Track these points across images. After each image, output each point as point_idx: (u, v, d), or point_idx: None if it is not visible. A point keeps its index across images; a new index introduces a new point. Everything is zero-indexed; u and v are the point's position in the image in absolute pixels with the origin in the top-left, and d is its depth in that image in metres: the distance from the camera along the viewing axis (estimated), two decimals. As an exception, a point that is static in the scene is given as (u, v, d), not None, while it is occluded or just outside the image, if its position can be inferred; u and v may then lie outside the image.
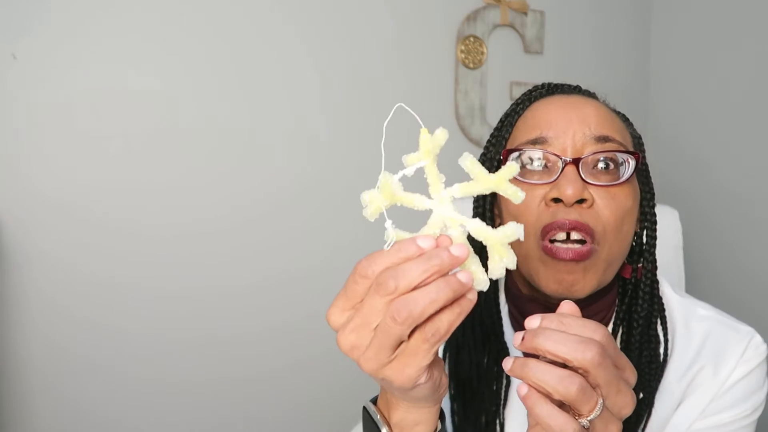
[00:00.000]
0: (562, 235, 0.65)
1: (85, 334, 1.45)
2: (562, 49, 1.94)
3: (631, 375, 0.47)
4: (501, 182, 0.43)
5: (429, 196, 0.44)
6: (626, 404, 0.45)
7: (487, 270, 0.44)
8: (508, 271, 0.76)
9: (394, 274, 0.40)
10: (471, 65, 1.81)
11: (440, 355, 0.78)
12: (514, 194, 0.43)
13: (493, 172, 0.70)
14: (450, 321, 0.42)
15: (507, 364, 0.45)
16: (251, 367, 1.62)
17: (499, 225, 0.73)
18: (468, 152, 0.44)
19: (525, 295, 0.75)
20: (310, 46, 1.62)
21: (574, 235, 0.65)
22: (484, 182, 0.43)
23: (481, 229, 0.43)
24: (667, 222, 1.21)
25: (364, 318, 0.42)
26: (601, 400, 0.44)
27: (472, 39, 1.80)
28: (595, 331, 0.45)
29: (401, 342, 0.43)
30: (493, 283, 0.73)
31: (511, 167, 0.44)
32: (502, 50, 1.86)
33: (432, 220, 0.43)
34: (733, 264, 1.79)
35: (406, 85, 1.74)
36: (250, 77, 1.57)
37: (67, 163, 1.42)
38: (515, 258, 0.44)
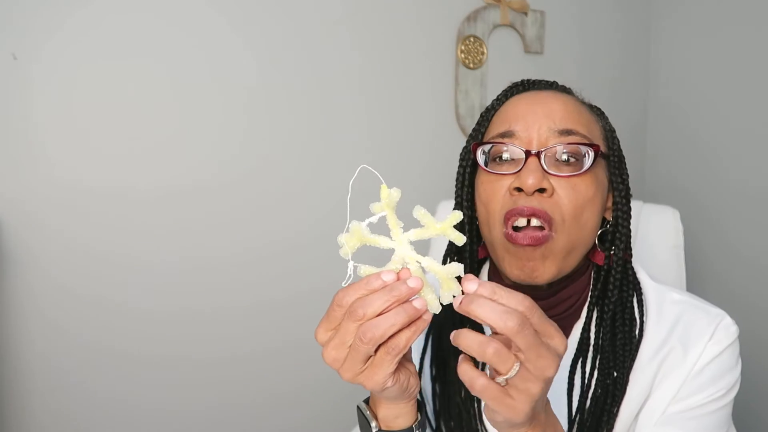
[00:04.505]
0: (522, 221, 0.70)
1: (85, 334, 1.45)
2: (562, 49, 1.94)
3: (560, 342, 0.53)
4: (446, 228, 0.54)
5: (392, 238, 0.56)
6: (548, 366, 0.51)
7: (440, 297, 0.55)
8: (491, 260, 0.82)
9: (362, 303, 0.51)
10: (471, 65, 1.81)
11: (422, 342, 0.86)
12: (458, 238, 0.55)
13: (469, 165, 0.81)
14: (407, 338, 0.52)
15: (452, 335, 0.54)
16: (257, 343, 1.62)
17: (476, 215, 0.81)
18: (419, 205, 0.54)
19: (506, 284, 0.77)
20: (309, 46, 1.62)
21: (534, 222, 0.70)
22: (433, 229, 0.54)
23: (432, 265, 0.54)
24: (668, 222, 1.21)
25: (341, 338, 0.53)
26: (518, 363, 0.51)
27: (472, 39, 1.80)
28: (520, 302, 0.51)
29: (370, 356, 0.54)
30: (475, 272, 0.82)
31: (455, 215, 0.54)
32: (502, 50, 1.86)
33: (394, 257, 0.54)
34: (734, 264, 1.79)
35: (406, 85, 1.74)
36: (246, 80, 1.57)
37: (67, 162, 1.41)
38: (460, 288, 0.53)
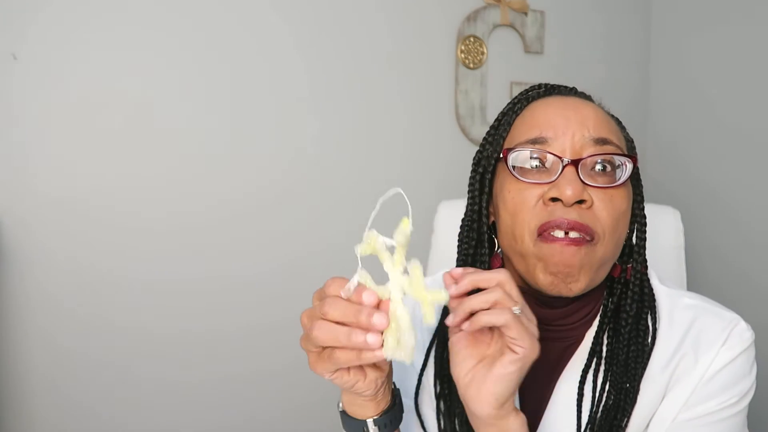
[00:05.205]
0: (559, 233, 0.66)
1: (87, 333, 1.45)
2: (562, 49, 1.94)
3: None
4: (425, 300, 0.54)
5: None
6: (532, 315, 0.60)
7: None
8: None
9: (330, 303, 0.52)
10: (471, 65, 1.81)
11: (421, 357, 0.81)
12: (428, 315, 0.54)
13: (490, 171, 0.75)
14: (347, 359, 0.53)
15: (449, 319, 0.60)
16: (256, 364, 1.61)
17: (493, 223, 0.77)
18: (417, 260, 0.54)
19: (519, 287, 0.76)
20: (309, 45, 1.62)
21: (572, 234, 0.66)
22: (416, 293, 0.54)
23: (402, 316, 0.53)
24: (669, 222, 1.21)
25: (312, 313, 0.55)
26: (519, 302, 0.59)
27: (472, 39, 1.80)
28: (498, 270, 0.59)
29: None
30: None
31: (442, 296, 0.55)
32: (502, 50, 1.86)
33: (386, 285, 0.54)
34: (735, 264, 1.79)
35: (406, 85, 1.74)
36: (246, 78, 1.57)
37: (67, 161, 1.41)
38: (435, 321, 0.56)
